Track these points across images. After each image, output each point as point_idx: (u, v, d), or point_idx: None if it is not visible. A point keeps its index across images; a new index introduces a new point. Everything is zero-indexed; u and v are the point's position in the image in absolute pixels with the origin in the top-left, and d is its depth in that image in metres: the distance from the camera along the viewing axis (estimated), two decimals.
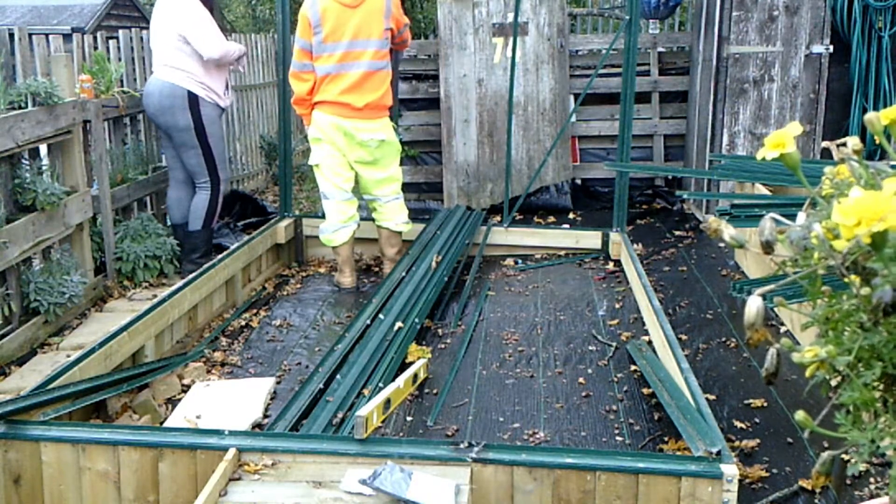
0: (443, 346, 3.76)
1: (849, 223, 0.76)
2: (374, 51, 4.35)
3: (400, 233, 4.70)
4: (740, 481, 2.30)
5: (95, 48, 4.98)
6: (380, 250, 4.79)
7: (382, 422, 2.95)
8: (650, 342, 3.60)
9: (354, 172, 4.55)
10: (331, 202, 4.53)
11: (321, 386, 3.11)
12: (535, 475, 2.30)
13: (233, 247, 4.50)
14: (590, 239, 5.08)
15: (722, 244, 5.15)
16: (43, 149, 4.09)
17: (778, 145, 0.92)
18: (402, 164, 4.85)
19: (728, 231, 0.95)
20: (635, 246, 4.95)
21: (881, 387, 0.85)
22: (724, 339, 3.76)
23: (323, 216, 4.66)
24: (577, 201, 6.52)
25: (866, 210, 0.76)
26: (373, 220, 4.71)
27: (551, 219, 6.18)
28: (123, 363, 3.25)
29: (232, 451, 2.34)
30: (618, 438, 2.91)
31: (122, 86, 4.86)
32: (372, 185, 4.58)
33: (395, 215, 4.66)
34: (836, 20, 5.61)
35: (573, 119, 6.48)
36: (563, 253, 5.10)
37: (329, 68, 4.33)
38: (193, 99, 4.65)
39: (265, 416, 3.10)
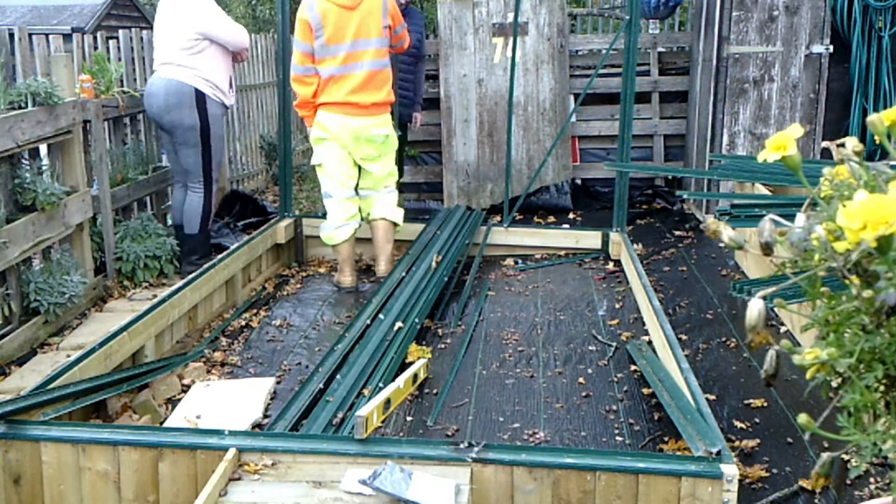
0: (443, 346, 3.76)
1: (854, 227, 0.76)
2: (375, 49, 4.37)
3: (395, 225, 4.68)
4: (740, 481, 2.30)
5: (95, 48, 4.97)
6: (375, 249, 4.70)
7: (382, 422, 2.95)
8: (650, 342, 3.60)
9: (357, 171, 4.56)
10: (334, 200, 4.53)
11: (321, 386, 3.11)
12: (535, 475, 2.30)
13: (233, 247, 4.50)
14: (590, 239, 5.09)
15: (721, 244, 5.15)
16: (43, 149, 4.09)
17: (779, 148, 0.92)
18: (402, 163, 4.85)
19: (727, 232, 0.95)
20: (635, 246, 4.95)
21: (882, 389, 0.85)
22: (724, 339, 3.76)
23: (323, 216, 4.66)
24: (577, 201, 6.52)
25: (872, 213, 0.75)
26: (367, 219, 4.68)
27: (551, 219, 6.18)
28: (123, 363, 3.25)
29: (232, 451, 2.34)
30: (618, 438, 2.90)
31: (122, 86, 4.86)
32: (378, 180, 4.60)
33: (391, 204, 4.66)
34: (836, 20, 5.61)
35: (573, 119, 6.48)
36: (563, 253, 5.10)
37: (333, 70, 4.34)
38: (200, 97, 4.63)
39: (265, 416, 3.10)
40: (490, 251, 5.08)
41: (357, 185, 4.63)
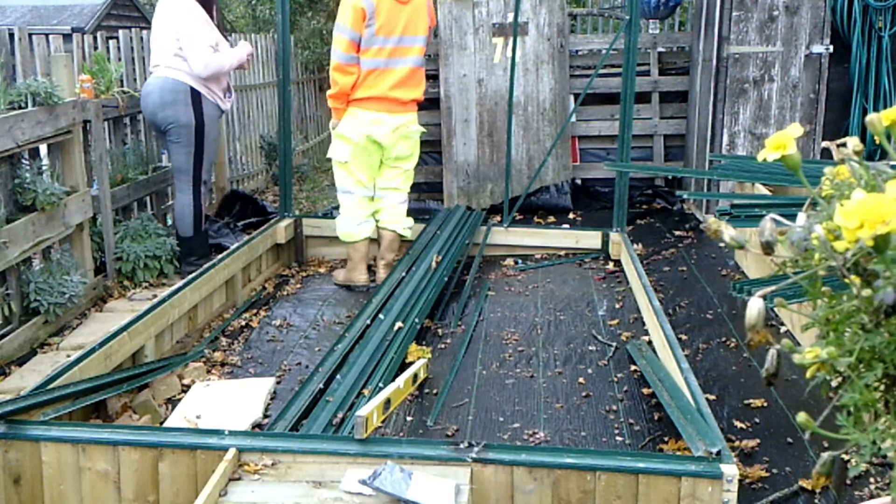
0: (443, 346, 3.76)
1: (851, 225, 0.76)
2: (420, 47, 4.46)
3: (402, 237, 4.70)
4: (740, 481, 2.30)
5: (95, 48, 4.97)
6: (378, 255, 4.73)
7: (382, 422, 2.95)
8: (650, 342, 3.60)
9: (378, 172, 4.56)
10: (353, 197, 4.53)
11: (321, 386, 3.11)
12: (535, 475, 2.30)
13: (233, 247, 4.50)
14: (590, 239, 5.09)
15: (722, 244, 5.15)
16: (43, 149, 4.09)
17: (779, 147, 0.92)
18: None
19: (728, 232, 0.95)
20: (635, 246, 4.95)
21: (882, 388, 0.85)
22: (724, 339, 3.76)
23: (324, 216, 4.66)
24: (577, 201, 6.52)
25: (869, 212, 0.76)
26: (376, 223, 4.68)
27: (551, 219, 6.17)
28: (123, 363, 3.25)
29: (232, 451, 2.34)
30: (618, 438, 2.91)
31: (122, 86, 4.85)
32: (405, 178, 4.65)
33: (402, 214, 4.68)
34: (836, 20, 5.61)
35: (573, 119, 6.48)
36: (563, 253, 5.10)
37: (378, 62, 4.34)
38: (196, 95, 4.61)
39: (265, 416, 3.10)
40: (490, 251, 5.08)
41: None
